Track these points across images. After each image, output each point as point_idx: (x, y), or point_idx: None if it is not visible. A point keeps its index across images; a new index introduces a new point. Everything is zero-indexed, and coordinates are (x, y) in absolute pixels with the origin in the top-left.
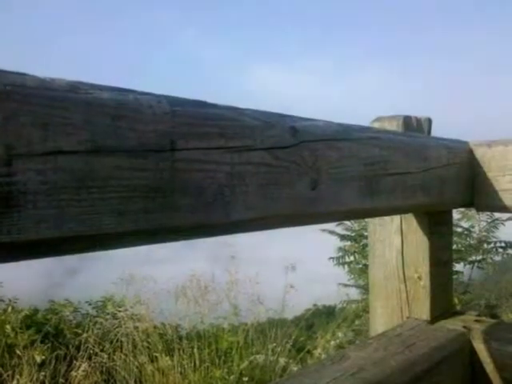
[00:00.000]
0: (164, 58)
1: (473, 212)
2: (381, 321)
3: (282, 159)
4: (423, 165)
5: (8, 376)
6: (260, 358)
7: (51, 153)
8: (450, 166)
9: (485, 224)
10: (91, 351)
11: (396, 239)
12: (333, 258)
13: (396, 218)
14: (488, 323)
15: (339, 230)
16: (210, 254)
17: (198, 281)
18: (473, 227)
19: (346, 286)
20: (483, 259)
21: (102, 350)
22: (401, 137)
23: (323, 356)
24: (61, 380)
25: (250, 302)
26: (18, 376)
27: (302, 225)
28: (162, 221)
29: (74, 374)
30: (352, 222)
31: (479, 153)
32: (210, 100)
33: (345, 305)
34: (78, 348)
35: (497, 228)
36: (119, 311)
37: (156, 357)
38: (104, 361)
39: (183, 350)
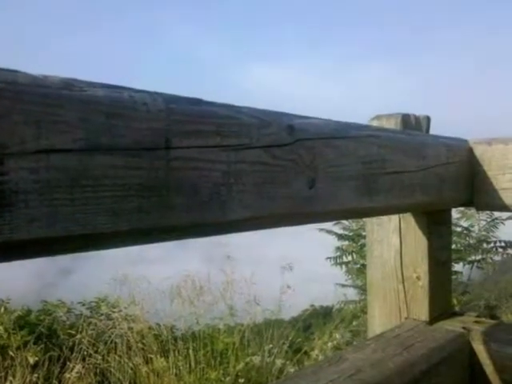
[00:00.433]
0: (160, 56)
1: (472, 211)
2: (379, 322)
3: (279, 158)
4: (422, 163)
5: (0, 378)
6: (256, 359)
7: (44, 151)
8: (450, 165)
9: (484, 223)
10: (85, 352)
11: (394, 239)
12: (330, 257)
13: (394, 218)
14: (487, 324)
15: (337, 229)
16: (204, 253)
17: (192, 281)
18: (472, 226)
19: (343, 286)
20: (483, 259)
21: (96, 352)
22: (399, 135)
23: (320, 357)
24: (54, 382)
25: (246, 302)
26: (10, 378)
27: (299, 224)
28: (157, 220)
29: (67, 375)
30: (350, 221)
31: (479, 151)
32: (207, 98)
33: (342, 305)
34: (71, 349)
35: (496, 227)
36: (113, 312)
37: (151, 358)
38: (98, 362)
39: (178, 351)
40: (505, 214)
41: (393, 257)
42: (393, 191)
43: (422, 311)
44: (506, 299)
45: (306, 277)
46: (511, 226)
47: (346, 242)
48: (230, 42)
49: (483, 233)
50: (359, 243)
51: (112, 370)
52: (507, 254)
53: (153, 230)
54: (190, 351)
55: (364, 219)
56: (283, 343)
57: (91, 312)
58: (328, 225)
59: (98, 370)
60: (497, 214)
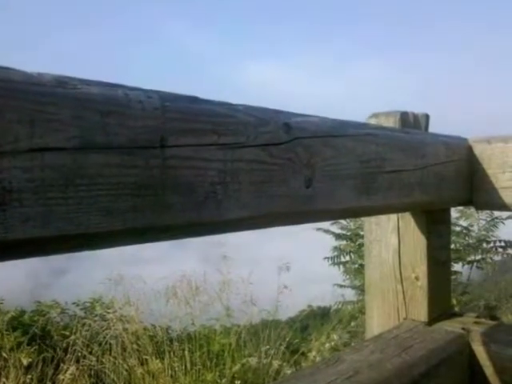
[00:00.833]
0: (154, 53)
1: (472, 210)
2: (377, 322)
3: (276, 156)
4: (421, 162)
5: None
6: (253, 360)
7: (38, 150)
8: (449, 163)
9: (484, 223)
10: (79, 354)
11: (393, 238)
12: (328, 257)
13: (393, 217)
14: (487, 325)
15: (334, 228)
16: (200, 253)
17: (188, 281)
18: (472, 226)
19: (341, 286)
20: (482, 259)
21: (90, 353)
22: (398, 133)
23: (318, 359)
24: (48, 383)
25: (243, 302)
26: (4, 379)
27: (296, 223)
28: (152, 220)
29: (61, 377)
30: (348, 220)
31: (478, 149)
32: (203, 96)
33: (340, 306)
34: (65, 350)
35: (496, 227)
36: (108, 312)
37: (146, 359)
38: (92, 364)
39: (174, 353)
40: (505, 214)
41: (391, 256)
42: (391, 190)
43: (420, 312)
44: (506, 300)
45: (304, 277)
46: (511, 226)
47: (344, 242)
48: (226, 39)
49: (483, 232)
50: (357, 243)
51: (107, 371)
52: (507, 253)
53: (148, 229)
54: (186, 352)
55: (362, 218)
56: (280, 344)
57: (85, 313)
58: (325, 224)
59: (92, 372)
60: (496, 213)
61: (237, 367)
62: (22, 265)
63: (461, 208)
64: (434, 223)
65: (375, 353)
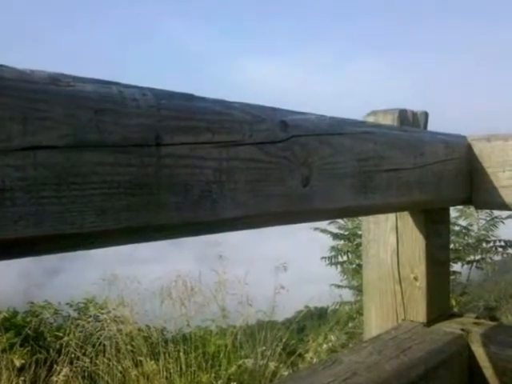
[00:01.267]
0: (148, 51)
1: (471, 210)
2: (375, 323)
3: (272, 155)
4: (419, 160)
5: None
6: (249, 362)
7: (30, 148)
8: (448, 162)
9: (484, 222)
10: (73, 355)
11: (391, 238)
12: (325, 257)
13: (391, 216)
14: (487, 326)
15: (332, 228)
16: (196, 253)
17: (183, 281)
18: (471, 225)
19: (338, 286)
20: (482, 259)
21: (83, 354)
22: (396, 131)
23: (315, 360)
24: None
25: (239, 303)
26: None
27: (293, 223)
28: (147, 219)
29: (54, 378)
30: (345, 220)
31: (478, 148)
32: (198, 93)
33: (338, 306)
34: (58, 352)
35: (496, 226)
36: (102, 313)
37: (140, 361)
38: (86, 365)
39: (169, 354)
40: (505, 213)
41: (389, 256)
42: (389, 189)
43: (419, 313)
44: (506, 300)
45: (301, 277)
46: (511, 225)
47: (342, 242)
48: (224, 37)
49: (482, 232)
50: (355, 242)
51: (100, 373)
52: (507, 253)
53: (143, 228)
54: (181, 354)
55: (360, 218)
56: (277, 345)
57: (79, 313)
58: (323, 224)
59: (85, 374)
60: (496, 212)
61: (233, 369)
62: (15, 265)
63: (460, 207)
64: (432, 223)
65: (373, 354)
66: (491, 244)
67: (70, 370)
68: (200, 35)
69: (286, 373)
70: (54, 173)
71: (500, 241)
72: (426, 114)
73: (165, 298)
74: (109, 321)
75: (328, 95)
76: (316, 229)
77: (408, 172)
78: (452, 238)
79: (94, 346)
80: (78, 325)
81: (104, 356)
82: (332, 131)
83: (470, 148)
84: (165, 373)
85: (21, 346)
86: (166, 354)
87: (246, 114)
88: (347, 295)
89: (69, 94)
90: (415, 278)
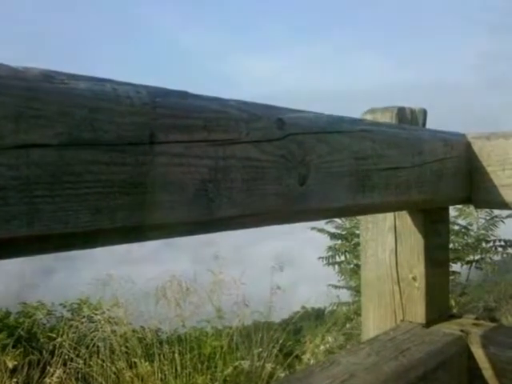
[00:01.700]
0: (143, 48)
1: (471, 209)
2: (373, 324)
3: (269, 153)
4: (418, 159)
5: None
6: (245, 363)
7: (23, 146)
8: (447, 160)
9: (483, 221)
10: (66, 356)
11: (389, 238)
12: (322, 257)
13: (389, 216)
14: (486, 327)
15: (329, 227)
16: (191, 253)
17: (179, 282)
18: (471, 225)
19: (336, 287)
20: (482, 259)
21: (77, 356)
22: (394, 129)
23: (312, 361)
24: None
25: (235, 304)
26: None
27: (290, 222)
28: (142, 218)
29: (47, 380)
30: (343, 219)
31: (478, 146)
32: (194, 91)
33: (335, 307)
34: (52, 353)
35: (496, 226)
36: (96, 314)
37: (135, 362)
38: (80, 367)
39: (164, 355)
40: (504, 212)
41: (388, 256)
42: (387, 188)
43: (418, 313)
44: (506, 301)
45: (297, 277)
46: (511, 225)
47: (339, 241)
48: (218, 33)
49: (482, 231)
50: (352, 242)
51: (94, 374)
52: (507, 253)
53: (138, 228)
54: (176, 355)
55: (358, 217)
56: (273, 347)
57: (73, 314)
58: (320, 223)
59: (79, 375)
60: (496, 211)
61: (229, 370)
62: (8, 265)
63: (459, 206)
64: (431, 222)
65: (371, 355)
66: (491, 244)
67: (64, 372)
68: (195, 31)
69: (282, 374)
70: (47, 171)
71: (500, 240)
72: (424, 112)
73: (160, 298)
74: (103, 322)
75: (327, 92)
76: (313, 228)
77: (406, 171)
78: (451, 237)
79: (87, 347)
80: (71, 326)
81: (98, 357)
82: (329, 129)
83: (469, 146)
84: (159, 374)
85: (13, 347)
86: (161, 356)
87: (242, 111)
88: (345, 296)
89: (62, 92)
90: (414, 279)
